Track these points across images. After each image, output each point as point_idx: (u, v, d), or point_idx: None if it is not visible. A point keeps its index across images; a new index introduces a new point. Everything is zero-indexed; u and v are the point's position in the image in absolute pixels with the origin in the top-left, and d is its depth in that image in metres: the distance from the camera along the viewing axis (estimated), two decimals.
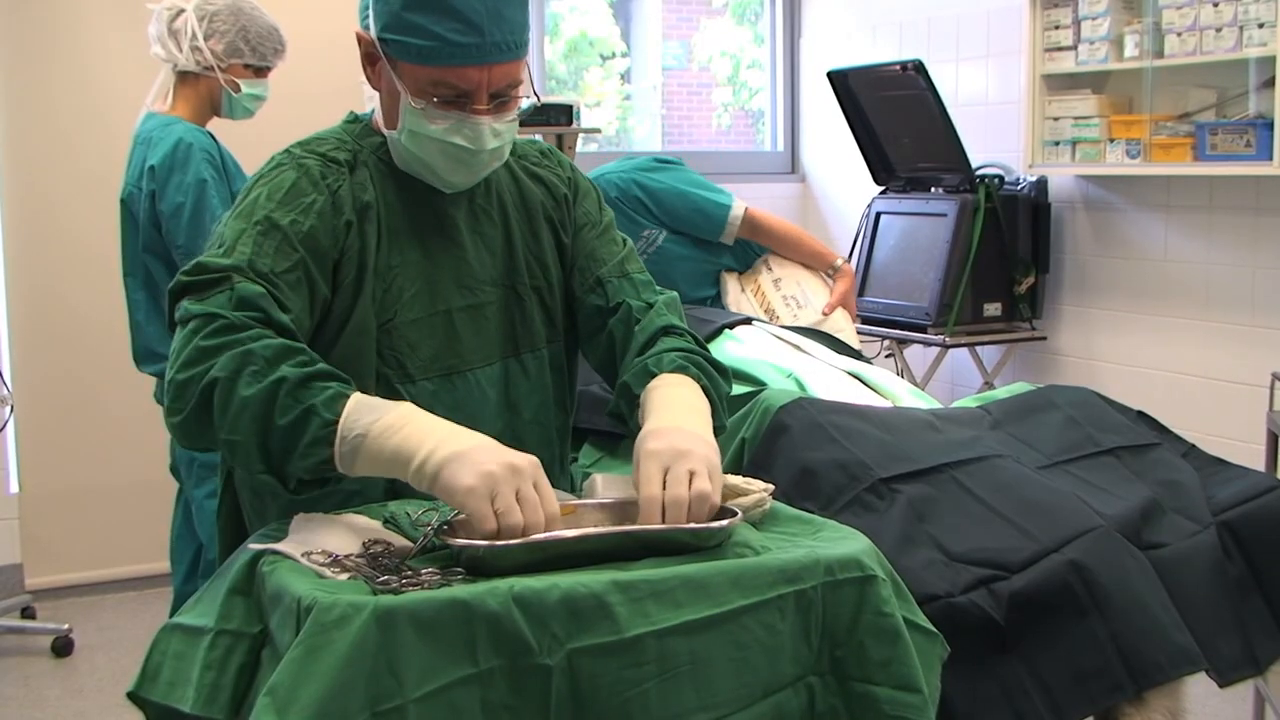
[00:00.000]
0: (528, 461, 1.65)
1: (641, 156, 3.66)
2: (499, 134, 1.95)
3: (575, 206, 2.19)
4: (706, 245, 3.60)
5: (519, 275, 2.10)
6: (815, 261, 3.64)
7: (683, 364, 1.99)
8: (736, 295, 3.58)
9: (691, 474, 1.72)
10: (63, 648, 4.49)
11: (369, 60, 1.96)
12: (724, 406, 2.03)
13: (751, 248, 3.66)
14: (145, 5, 3.38)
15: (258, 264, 1.80)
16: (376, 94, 2.01)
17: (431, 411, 1.73)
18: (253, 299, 1.75)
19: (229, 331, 1.70)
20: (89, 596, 5.01)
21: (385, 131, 1.99)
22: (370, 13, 1.91)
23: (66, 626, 4.55)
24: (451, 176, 1.99)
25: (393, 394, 1.93)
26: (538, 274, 2.13)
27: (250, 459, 1.68)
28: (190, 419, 1.70)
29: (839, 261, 3.64)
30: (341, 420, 1.66)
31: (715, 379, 2.02)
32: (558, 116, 4.17)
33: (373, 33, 1.90)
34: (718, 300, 3.61)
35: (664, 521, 1.69)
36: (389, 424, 1.66)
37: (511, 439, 1.91)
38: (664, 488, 1.71)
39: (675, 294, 2.18)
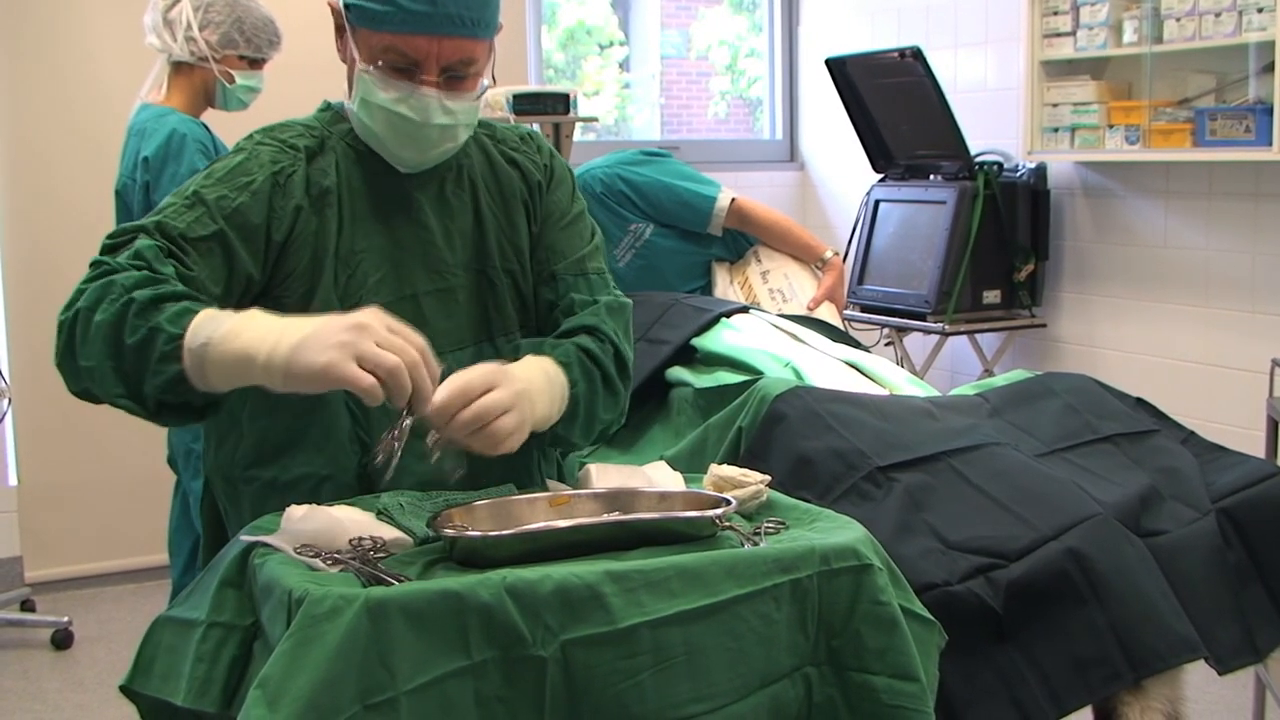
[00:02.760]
0: (369, 314, 1.63)
1: (629, 150, 3.64)
2: (450, 112, 1.93)
3: (547, 195, 2.15)
4: (695, 237, 3.59)
5: (490, 259, 2.07)
6: (804, 254, 3.62)
7: (568, 360, 1.96)
8: (724, 287, 3.57)
9: (491, 389, 1.72)
10: (62, 640, 4.49)
11: (338, 31, 1.95)
12: (591, 423, 1.99)
13: (743, 238, 3.65)
14: None
15: (167, 226, 1.81)
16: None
17: None
18: (143, 250, 1.75)
19: (106, 275, 1.72)
20: (88, 589, 5.00)
21: (348, 103, 1.98)
22: None
23: (66, 619, 4.54)
24: (400, 151, 1.96)
25: None
26: (511, 258, 2.09)
27: (106, 383, 1.69)
28: (63, 355, 1.72)
29: (828, 254, 3.62)
30: (187, 333, 1.65)
31: (596, 393, 1.99)
32: (555, 105, 4.15)
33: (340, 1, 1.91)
34: (708, 291, 3.60)
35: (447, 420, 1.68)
36: (230, 329, 1.65)
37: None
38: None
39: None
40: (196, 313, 1.67)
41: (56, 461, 4.93)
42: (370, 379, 1.57)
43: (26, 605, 4.74)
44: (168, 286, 1.71)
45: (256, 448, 1.95)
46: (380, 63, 1.89)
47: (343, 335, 1.59)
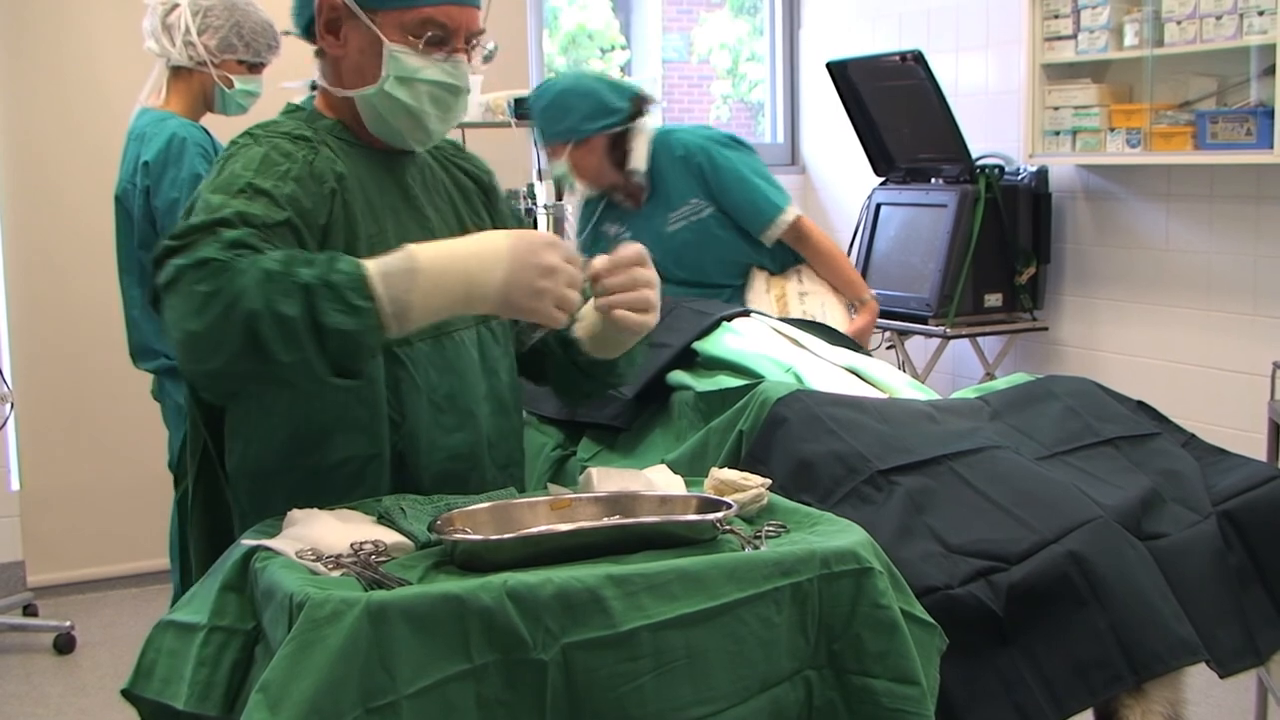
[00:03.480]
0: (550, 249, 1.79)
1: (716, 129, 3.65)
2: (469, 80, 2.01)
3: (499, 201, 2.21)
4: (748, 237, 3.60)
5: None
6: (846, 289, 3.64)
7: None
8: (760, 293, 3.58)
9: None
10: (65, 645, 4.49)
11: (330, 27, 1.96)
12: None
13: (790, 254, 3.66)
14: None
15: (248, 215, 1.77)
16: (306, 82, 2.05)
17: (426, 374, 1.94)
18: (242, 239, 1.70)
19: (224, 271, 1.64)
20: (91, 593, 5.01)
21: (355, 92, 1.97)
22: None
23: (68, 623, 4.55)
24: (433, 124, 1.99)
25: (391, 358, 1.93)
26: None
27: (318, 369, 1.67)
28: (235, 362, 1.65)
29: (867, 296, 3.64)
30: (383, 303, 1.68)
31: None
32: None
33: None
34: (739, 294, 3.60)
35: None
36: (427, 262, 1.72)
37: (494, 401, 2.07)
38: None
39: None
40: (365, 274, 1.69)
41: (58, 466, 4.93)
42: (565, 317, 1.80)
43: (29, 610, 4.75)
44: (321, 260, 1.69)
45: (295, 436, 1.93)
46: (421, 41, 1.93)
47: (540, 281, 1.76)
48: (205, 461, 2.01)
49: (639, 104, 3.53)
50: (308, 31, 2.02)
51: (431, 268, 1.72)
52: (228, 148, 1.94)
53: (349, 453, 1.93)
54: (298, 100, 2.10)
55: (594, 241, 3.71)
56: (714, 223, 3.58)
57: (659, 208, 3.58)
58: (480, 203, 2.17)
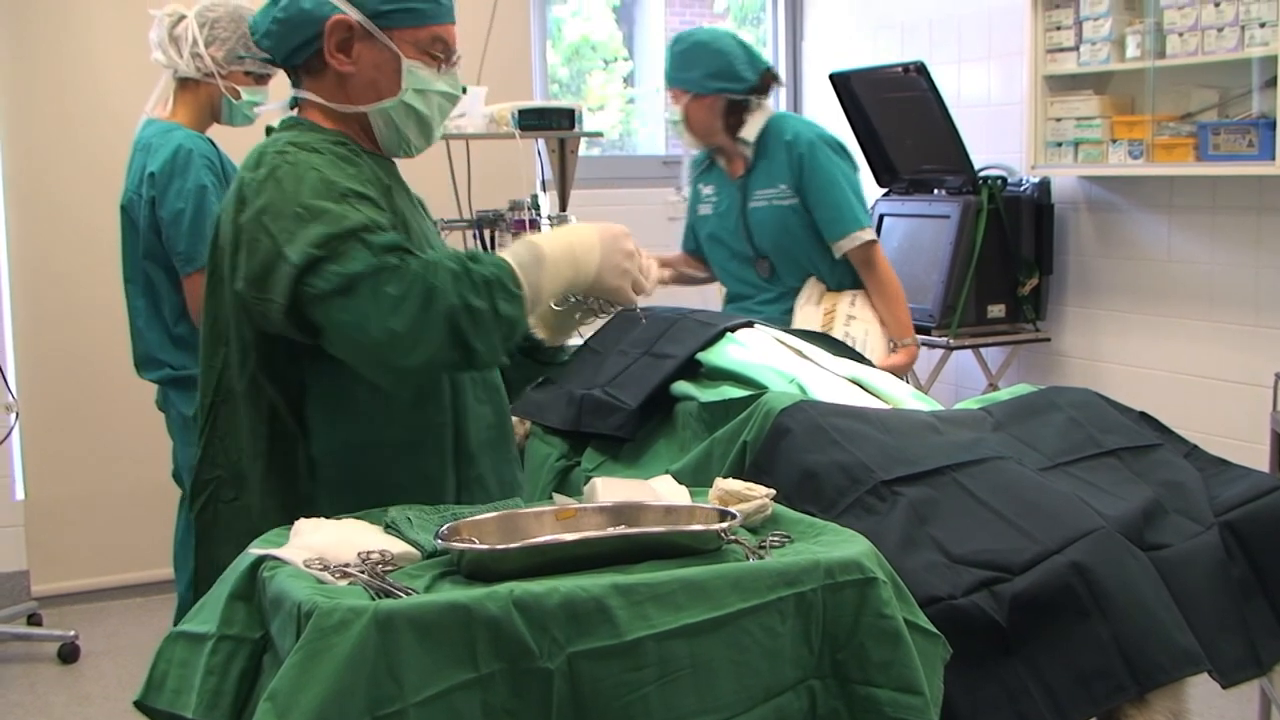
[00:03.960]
0: (627, 237, 2.20)
1: (827, 130, 3.76)
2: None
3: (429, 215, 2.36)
4: (820, 242, 3.70)
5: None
6: (894, 325, 3.72)
7: None
8: (811, 302, 3.68)
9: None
10: (69, 654, 4.50)
11: (341, 46, 2.08)
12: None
13: (850, 276, 3.74)
14: (149, 9, 3.38)
15: (377, 220, 1.94)
16: (308, 94, 2.14)
17: None
18: (396, 243, 1.91)
19: (404, 272, 1.87)
20: (95, 603, 5.02)
21: (372, 106, 2.11)
22: None
23: (72, 633, 4.56)
24: (435, 131, 2.19)
25: None
26: None
27: (500, 353, 1.98)
28: (439, 353, 1.89)
29: (910, 339, 3.72)
30: (525, 290, 1.99)
31: None
32: (560, 120, 4.16)
33: (360, 13, 2.06)
34: (792, 296, 3.71)
35: None
36: (544, 250, 2.05)
37: (494, 382, 2.29)
38: None
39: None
40: (512, 268, 1.99)
41: (63, 476, 4.94)
42: (636, 298, 2.20)
43: (33, 619, 4.76)
44: (480, 261, 1.96)
45: (380, 410, 2.08)
46: (429, 57, 2.11)
47: (625, 263, 2.18)
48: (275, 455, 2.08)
49: (766, 79, 3.70)
50: (290, 56, 2.12)
51: (551, 255, 2.05)
52: (272, 163, 1.99)
53: (426, 423, 2.12)
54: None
55: (693, 196, 3.94)
56: (793, 214, 3.69)
57: (753, 181, 3.73)
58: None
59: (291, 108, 2.20)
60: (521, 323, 2.00)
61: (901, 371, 3.70)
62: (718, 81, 3.65)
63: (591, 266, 2.12)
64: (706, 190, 3.88)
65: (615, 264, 2.16)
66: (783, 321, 3.61)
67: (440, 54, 2.13)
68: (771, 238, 3.71)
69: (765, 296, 3.78)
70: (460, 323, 1.88)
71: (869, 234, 3.69)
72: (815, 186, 3.65)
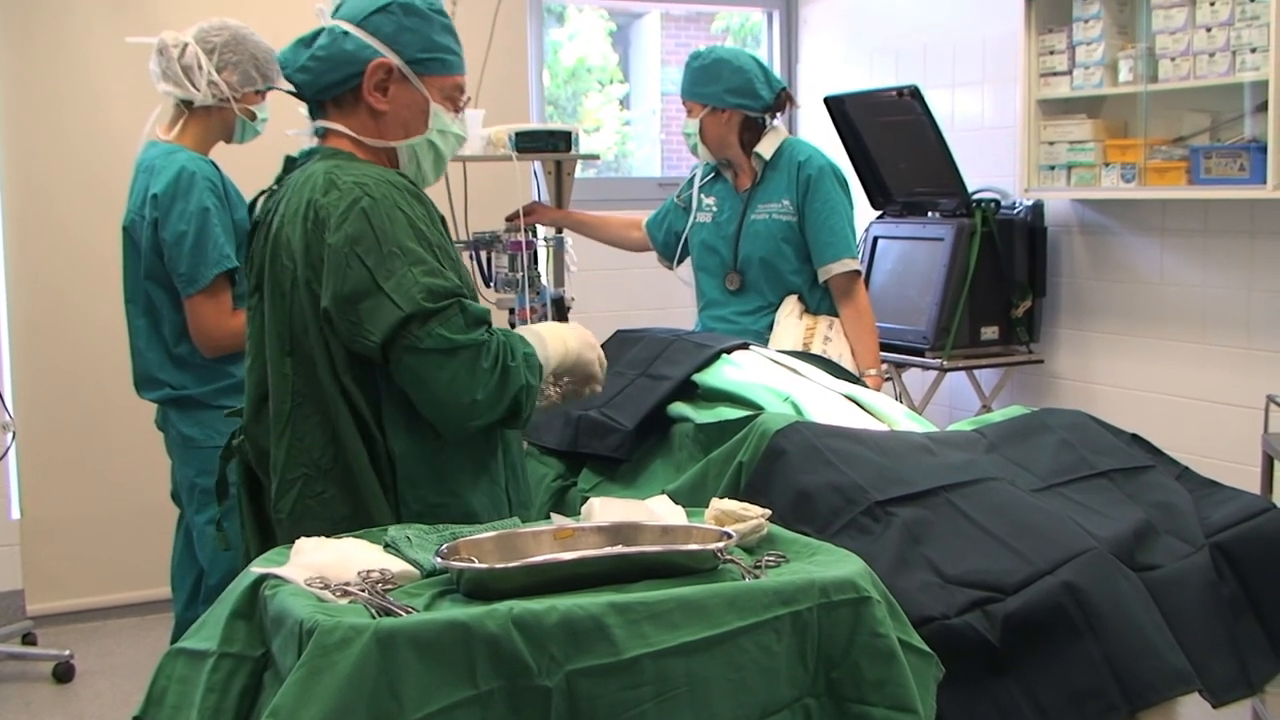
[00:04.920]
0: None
1: (833, 160, 3.87)
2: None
3: None
4: (807, 265, 3.81)
5: None
6: (863, 355, 3.80)
7: None
8: (793, 316, 3.76)
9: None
10: (64, 673, 4.50)
11: (379, 87, 2.27)
12: None
13: (827, 303, 3.84)
14: (143, 27, 3.39)
15: (463, 282, 2.18)
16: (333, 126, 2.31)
17: None
18: (482, 316, 2.15)
19: (488, 349, 2.12)
20: (90, 622, 5.01)
21: (403, 142, 2.32)
22: (389, 45, 2.26)
23: (68, 652, 4.55)
24: (444, 167, 2.41)
25: None
26: None
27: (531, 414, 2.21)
28: (499, 418, 2.15)
29: (876, 371, 3.80)
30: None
31: None
32: (556, 143, 4.17)
33: (399, 58, 2.26)
34: (771, 311, 3.81)
35: None
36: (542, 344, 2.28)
37: None
38: None
39: None
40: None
41: (59, 495, 4.94)
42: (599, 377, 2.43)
43: (28, 638, 4.75)
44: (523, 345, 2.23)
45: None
46: (445, 99, 2.34)
47: (594, 343, 2.41)
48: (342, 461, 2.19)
49: (782, 99, 3.85)
50: (323, 90, 2.30)
51: (549, 337, 2.31)
52: (352, 191, 2.15)
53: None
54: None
55: (689, 201, 4.05)
56: (788, 231, 3.80)
57: (758, 195, 3.85)
58: None
59: (316, 135, 2.36)
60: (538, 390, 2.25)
61: None
62: (736, 98, 3.78)
63: (573, 344, 2.35)
64: (708, 200, 3.97)
65: (588, 341, 2.39)
66: (758, 334, 3.68)
67: (457, 100, 2.36)
68: (762, 250, 3.79)
69: (744, 308, 3.85)
70: (521, 398, 2.15)
71: (856, 264, 3.81)
72: (816, 210, 3.76)
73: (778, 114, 3.88)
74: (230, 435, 2.47)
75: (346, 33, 2.26)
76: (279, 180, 2.34)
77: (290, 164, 2.34)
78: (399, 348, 2.07)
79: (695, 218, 4.00)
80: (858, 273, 3.81)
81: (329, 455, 2.17)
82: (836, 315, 3.82)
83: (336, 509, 2.15)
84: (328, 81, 2.28)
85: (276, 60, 2.38)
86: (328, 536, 1.92)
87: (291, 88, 2.34)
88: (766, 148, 3.82)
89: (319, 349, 2.15)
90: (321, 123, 2.33)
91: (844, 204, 3.82)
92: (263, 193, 2.37)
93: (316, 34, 2.30)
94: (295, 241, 2.16)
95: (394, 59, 2.26)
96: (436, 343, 2.07)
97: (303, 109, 2.40)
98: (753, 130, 3.85)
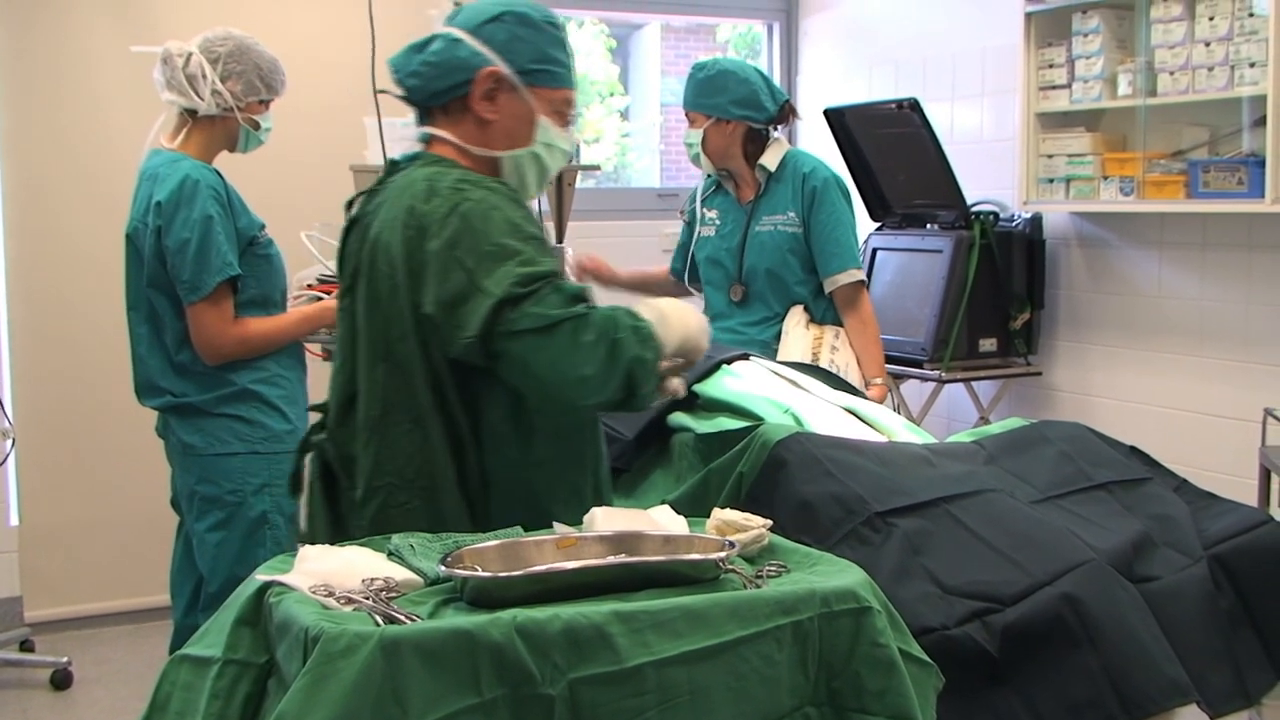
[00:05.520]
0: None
1: (835, 172, 3.90)
2: None
3: None
4: (813, 275, 3.84)
5: None
6: (869, 364, 3.83)
7: None
8: (800, 326, 3.79)
9: None
10: (61, 680, 4.50)
11: (488, 95, 2.27)
12: None
13: (831, 314, 3.87)
14: (146, 36, 3.40)
15: (557, 268, 2.16)
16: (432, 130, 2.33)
17: None
18: (580, 293, 2.13)
19: (590, 322, 2.08)
20: (88, 629, 5.02)
21: (508, 152, 2.31)
22: (501, 53, 2.26)
23: (65, 659, 4.56)
24: (548, 180, 2.40)
25: None
26: None
27: (654, 397, 2.18)
28: (613, 395, 2.10)
29: (881, 379, 3.83)
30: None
31: None
32: None
33: (510, 68, 2.26)
34: (778, 321, 3.84)
35: None
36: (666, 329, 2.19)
37: None
38: None
39: None
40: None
41: (58, 502, 4.95)
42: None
43: (26, 645, 4.76)
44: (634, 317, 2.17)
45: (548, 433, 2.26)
46: (558, 115, 2.34)
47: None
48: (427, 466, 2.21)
49: (785, 111, 3.88)
50: (433, 96, 2.30)
51: (670, 315, 2.21)
52: (452, 197, 2.17)
53: (581, 444, 2.31)
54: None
55: (693, 216, 4.07)
56: (794, 242, 3.83)
57: (762, 206, 3.88)
58: None
59: (422, 141, 2.36)
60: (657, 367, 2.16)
61: None
62: (741, 109, 3.80)
63: (694, 325, 2.25)
64: (710, 214, 4.00)
65: (704, 326, 2.29)
66: (764, 344, 3.70)
67: (566, 114, 2.36)
68: (768, 261, 3.82)
69: (749, 319, 3.87)
70: (635, 372, 2.09)
71: (861, 274, 3.84)
72: (822, 221, 3.79)
73: (780, 126, 3.90)
74: (309, 430, 2.48)
75: (459, 40, 2.27)
76: (380, 182, 2.35)
77: (393, 167, 2.36)
78: (497, 336, 2.07)
79: (699, 232, 4.01)
80: (863, 283, 3.84)
81: (415, 466, 2.18)
82: (841, 325, 3.83)
83: (417, 522, 2.13)
84: (437, 88, 2.29)
85: (388, 64, 2.38)
86: None
87: (400, 92, 2.35)
88: (771, 160, 3.85)
89: (416, 358, 2.16)
90: (427, 129, 2.34)
91: (848, 215, 3.85)
92: (363, 193, 2.40)
93: (429, 40, 2.31)
94: (395, 248, 2.17)
95: (504, 68, 2.27)
96: (532, 322, 2.06)
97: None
98: (756, 142, 3.87)
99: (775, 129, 3.90)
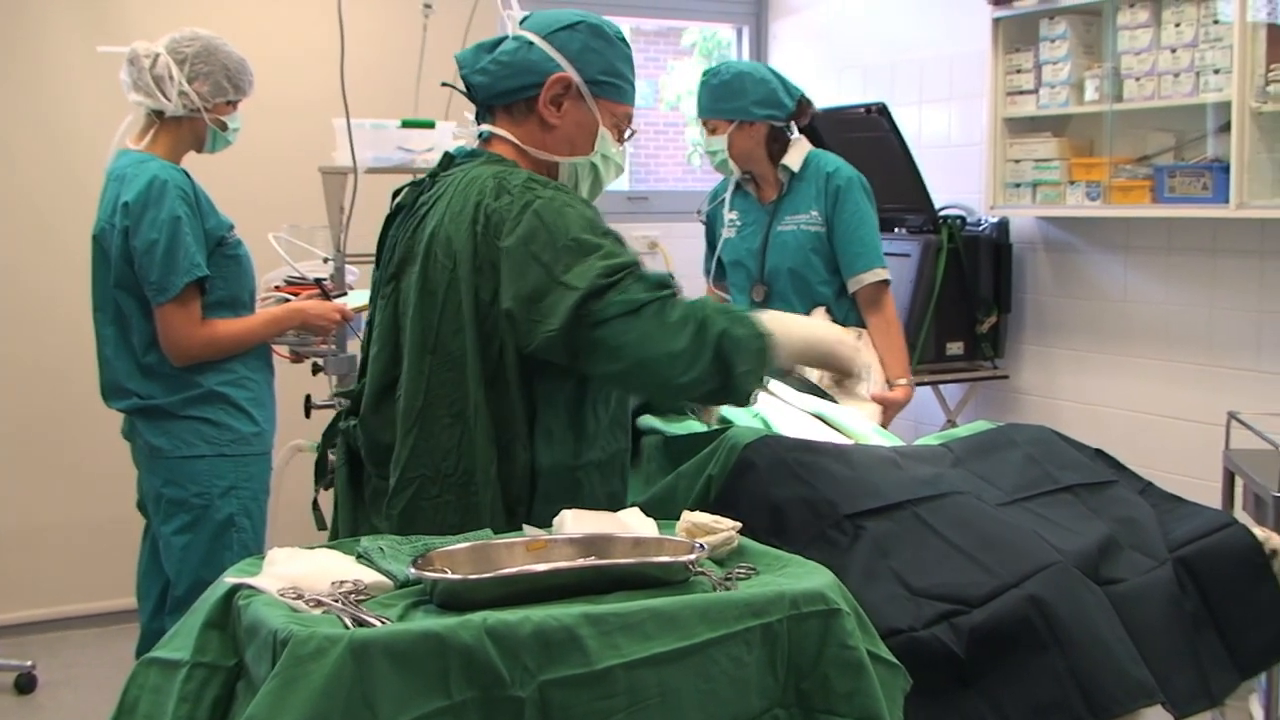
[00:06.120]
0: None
1: (861, 176, 3.90)
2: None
3: None
4: (836, 276, 3.85)
5: None
6: (893, 363, 3.83)
7: None
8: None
9: None
10: (26, 684, 4.47)
11: (554, 101, 2.30)
12: None
13: (854, 316, 3.86)
14: (113, 36, 3.39)
15: (636, 258, 2.17)
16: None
17: None
18: (664, 279, 2.15)
19: (675, 302, 2.12)
20: (52, 632, 4.99)
21: (567, 159, 2.35)
22: (572, 61, 2.29)
23: (30, 663, 4.53)
24: (601, 193, 2.43)
25: None
26: None
27: (756, 380, 2.19)
28: (704, 372, 2.10)
29: (907, 380, 3.83)
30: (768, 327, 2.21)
31: None
32: None
33: (579, 76, 2.29)
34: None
35: None
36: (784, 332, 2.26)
37: None
38: None
39: None
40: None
41: (21, 504, 4.92)
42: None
43: None
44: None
45: (598, 431, 2.28)
46: (617, 130, 2.38)
47: (847, 339, 2.42)
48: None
49: (803, 107, 3.85)
50: (498, 96, 2.32)
51: (782, 320, 2.30)
52: (524, 194, 2.17)
53: (618, 447, 2.35)
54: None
55: (712, 218, 4.08)
56: (817, 242, 3.82)
57: (784, 206, 3.87)
58: None
59: (480, 139, 2.39)
60: (772, 356, 2.19)
61: (898, 409, 3.79)
62: (764, 109, 3.78)
63: (820, 330, 2.37)
64: (731, 215, 3.98)
65: (838, 335, 2.40)
66: None
67: (624, 130, 2.41)
68: (791, 261, 3.81)
69: None
70: (726, 347, 2.10)
71: (885, 274, 3.83)
72: (846, 220, 3.79)
73: (801, 121, 3.89)
74: (335, 417, 2.48)
75: (532, 44, 2.30)
76: (432, 175, 2.35)
77: (449, 161, 2.36)
78: (584, 328, 2.07)
79: (723, 234, 4.01)
80: (886, 282, 3.83)
81: (451, 460, 2.18)
82: (863, 326, 3.83)
83: (448, 516, 2.15)
84: (505, 88, 2.31)
85: (455, 59, 2.39)
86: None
87: (463, 88, 2.37)
88: (794, 160, 3.84)
89: (471, 352, 2.15)
90: (488, 127, 2.36)
91: (871, 214, 3.85)
92: (411, 183, 2.40)
93: (499, 40, 2.34)
94: (459, 242, 2.16)
95: (574, 75, 2.29)
96: (618, 308, 2.08)
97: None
98: (779, 141, 3.86)
99: (793, 127, 3.88)
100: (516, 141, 2.32)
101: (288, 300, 3.57)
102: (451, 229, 2.18)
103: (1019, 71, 4.72)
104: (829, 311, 3.82)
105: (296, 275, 3.68)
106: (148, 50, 3.31)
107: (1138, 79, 4.29)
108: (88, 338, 3.41)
